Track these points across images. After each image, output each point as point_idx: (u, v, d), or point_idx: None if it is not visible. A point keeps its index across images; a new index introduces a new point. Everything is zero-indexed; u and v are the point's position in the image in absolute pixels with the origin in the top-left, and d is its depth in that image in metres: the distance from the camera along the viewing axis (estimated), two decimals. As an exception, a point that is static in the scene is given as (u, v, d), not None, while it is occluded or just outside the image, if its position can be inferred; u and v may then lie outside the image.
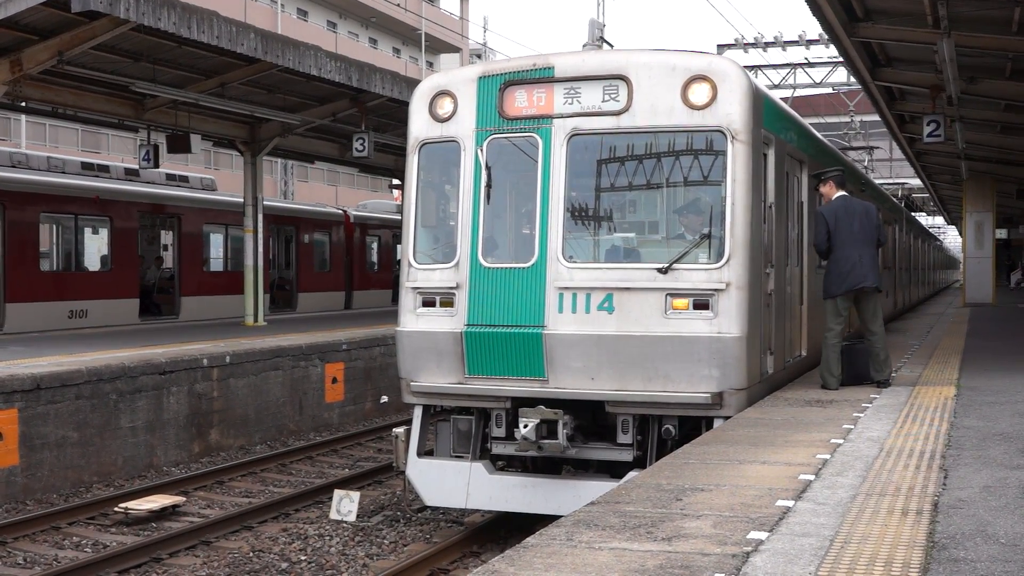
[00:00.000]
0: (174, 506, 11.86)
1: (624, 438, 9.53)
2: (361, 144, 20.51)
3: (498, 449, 10.02)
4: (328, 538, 10.73)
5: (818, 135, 13.94)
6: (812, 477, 6.35)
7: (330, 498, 11.72)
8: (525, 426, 9.27)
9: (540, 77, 9.78)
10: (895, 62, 17.52)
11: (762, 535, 5.01)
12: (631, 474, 8.98)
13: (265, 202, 23.20)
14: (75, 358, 14.07)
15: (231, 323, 22.35)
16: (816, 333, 12.74)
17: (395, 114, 21.10)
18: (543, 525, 5.66)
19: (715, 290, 9.20)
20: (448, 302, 9.88)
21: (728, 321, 9.17)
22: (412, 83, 18.63)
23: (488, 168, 9.89)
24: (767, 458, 7.00)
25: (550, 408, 9.34)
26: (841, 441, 7.59)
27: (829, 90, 36.19)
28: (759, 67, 32.19)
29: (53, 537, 10.92)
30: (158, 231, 26.42)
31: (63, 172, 22.62)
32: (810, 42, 31.18)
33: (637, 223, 10.30)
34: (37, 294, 20.06)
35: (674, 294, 9.27)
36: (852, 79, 27.13)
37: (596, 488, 8.85)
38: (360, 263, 31.73)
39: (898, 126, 23.55)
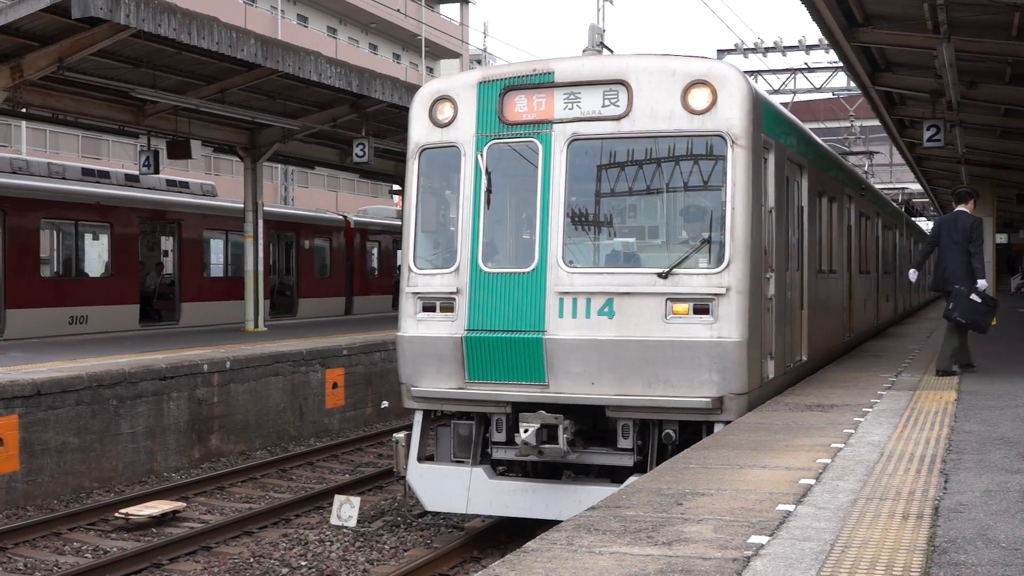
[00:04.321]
0: (174, 512, 11.86)
1: (624, 443, 9.53)
2: (361, 150, 20.53)
3: (499, 454, 10.02)
4: (329, 544, 10.72)
5: (818, 140, 13.95)
6: (813, 481, 6.35)
7: (331, 503, 11.72)
8: (526, 431, 9.26)
9: (540, 82, 9.78)
10: (895, 67, 17.50)
11: (763, 539, 5.01)
12: (632, 479, 8.95)
13: (265, 208, 23.23)
14: (75, 364, 14.07)
15: (231, 329, 22.35)
16: (816, 338, 12.74)
17: (395, 120, 21.10)
18: (544, 530, 5.66)
19: (715, 295, 9.20)
20: (448, 307, 9.88)
21: (728, 326, 9.17)
22: (412, 89, 18.65)
23: (488, 173, 9.89)
24: (768, 462, 7.00)
25: (551, 413, 9.34)
26: (842, 445, 7.59)
27: (829, 95, 36.23)
28: (759, 72, 32.19)
29: (53, 543, 10.92)
30: (158, 237, 26.42)
31: (63, 178, 22.65)
32: (810, 47, 31.16)
33: (637, 228, 10.29)
34: (38, 300, 20.06)
35: (674, 299, 9.27)
36: (852, 84, 27.16)
37: (597, 493, 8.86)
38: (361, 268, 31.74)
39: (898, 131, 23.53)
